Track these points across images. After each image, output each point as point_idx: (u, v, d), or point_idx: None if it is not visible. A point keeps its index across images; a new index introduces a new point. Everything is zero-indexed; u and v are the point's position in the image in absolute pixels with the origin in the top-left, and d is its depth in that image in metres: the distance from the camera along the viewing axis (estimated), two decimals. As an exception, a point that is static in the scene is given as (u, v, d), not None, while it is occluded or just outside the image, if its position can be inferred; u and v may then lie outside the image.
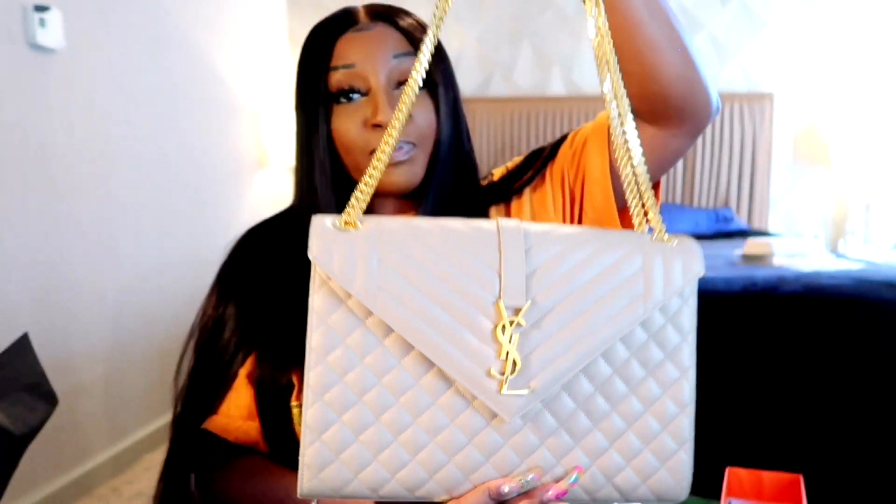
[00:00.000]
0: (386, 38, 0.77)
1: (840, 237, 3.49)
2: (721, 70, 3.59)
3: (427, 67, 0.60)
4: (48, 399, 0.79)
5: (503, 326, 0.51)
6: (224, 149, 3.18)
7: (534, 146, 3.89)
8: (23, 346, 0.73)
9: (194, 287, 2.95)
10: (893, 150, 3.34)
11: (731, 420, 1.87)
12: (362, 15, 0.79)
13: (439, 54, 0.79)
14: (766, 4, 3.52)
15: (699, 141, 3.55)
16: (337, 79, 0.77)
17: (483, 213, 0.84)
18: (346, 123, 0.77)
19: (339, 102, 0.78)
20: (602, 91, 0.57)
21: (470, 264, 0.52)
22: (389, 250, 0.52)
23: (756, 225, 3.53)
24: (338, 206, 0.78)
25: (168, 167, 2.71)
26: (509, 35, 3.75)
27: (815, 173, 3.57)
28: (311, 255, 0.52)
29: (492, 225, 0.55)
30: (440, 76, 0.79)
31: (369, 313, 0.52)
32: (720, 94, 3.29)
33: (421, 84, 0.66)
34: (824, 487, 1.68)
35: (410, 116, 0.75)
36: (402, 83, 0.76)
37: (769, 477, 0.98)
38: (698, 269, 0.56)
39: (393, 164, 0.76)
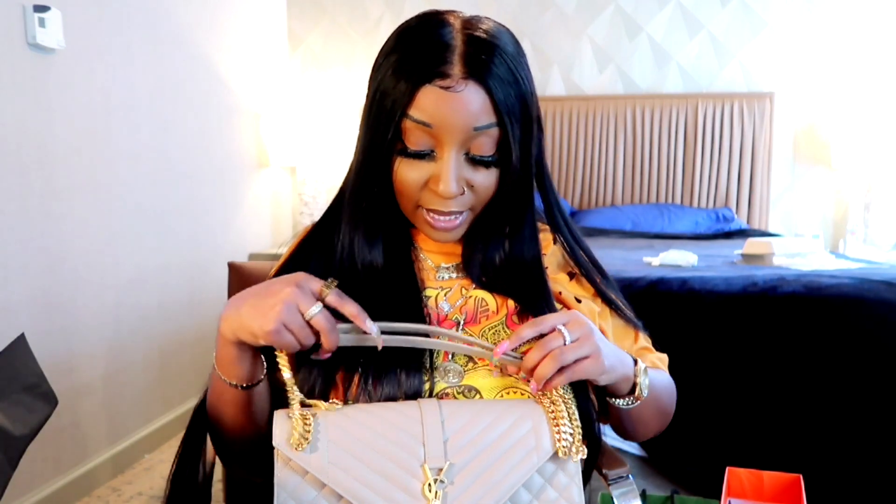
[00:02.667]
0: (471, 105, 0.70)
1: (840, 237, 3.50)
2: (721, 70, 3.59)
3: (506, 136, 0.73)
4: (47, 399, 0.79)
5: (429, 485, 0.64)
6: (224, 149, 3.18)
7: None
8: (20, 346, 0.73)
9: (194, 287, 2.97)
10: (893, 150, 3.34)
11: (731, 420, 1.87)
12: (456, 62, 0.70)
13: (522, 114, 0.74)
14: (766, 4, 3.52)
15: (699, 141, 3.55)
16: (410, 130, 0.72)
17: (538, 266, 0.83)
18: (407, 173, 0.75)
19: (406, 150, 0.74)
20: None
21: (400, 438, 0.66)
22: (337, 434, 0.66)
23: (756, 225, 3.54)
24: (385, 231, 0.81)
25: (168, 167, 2.71)
26: (509, 35, 3.75)
27: (815, 173, 3.57)
28: (274, 442, 0.64)
29: (415, 405, 0.68)
30: (516, 145, 0.74)
31: (323, 485, 0.64)
32: (720, 95, 3.26)
33: (490, 157, 0.75)
34: (824, 487, 1.68)
35: (472, 186, 0.75)
36: (474, 158, 0.74)
37: (769, 477, 0.98)
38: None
39: (440, 230, 0.77)
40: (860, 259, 2.58)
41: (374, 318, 0.71)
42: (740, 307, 1.86)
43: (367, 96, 0.76)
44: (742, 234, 3.19)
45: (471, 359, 0.77)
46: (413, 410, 0.68)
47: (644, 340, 0.91)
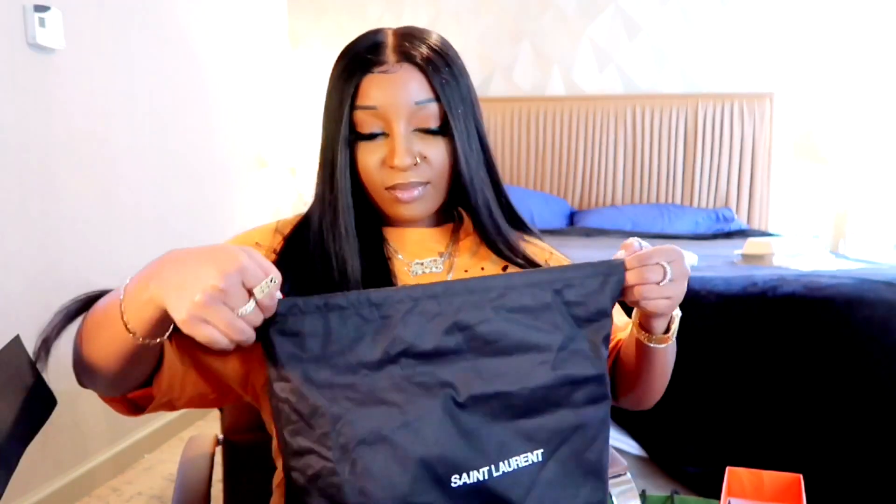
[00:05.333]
0: (409, 83, 0.80)
1: (840, 237, 3.50)
2: (721, 70, 3.59)
3: (447, 112, 0.81)
4: (47, 400, 0.79)
5: None
6: (224, 149, 3.18)
7: (534, 146, 3.84)
8: (16, 347, 0.73)
9: (194, 287, 2.94)
10: (893, 150, 3.34)
11: (731, 420, 1.87)
12: (389, 52, 0.82)
13: (460, 94, 0.84)
14: (766, 4, 3.52)
15: (699, 141, 3.55)
16: (361, 118, 0.81)
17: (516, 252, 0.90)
18: (368, 159, 0.82)
19: (362, 139, 0.82)
20: None
21: None
22: None
23: (756, 225, 3.54)
24: (358, 225, 0.84)
25: (168, 167, 2.71)
26: (509, 35, 3.75)
27: (815, 173, 3.57)
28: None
29: None
30: (459, 119, 0.83)
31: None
32: (720, 95, 3.26)
33: (436, 128, 0.83)
34: (824, 487, 1.68)
35: (426, 158, 0.82)
36: (419, 130, 0.82)
37: (769, 477, 0.98)
38: None
39: (404, 202, 0.83)
40: (860, 259, 2.58)
41: None
42: (740, 307, 1.86)
43: (323, 116, 0.85)
44: (742, 234, 3.19)
45: None
46: None
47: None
